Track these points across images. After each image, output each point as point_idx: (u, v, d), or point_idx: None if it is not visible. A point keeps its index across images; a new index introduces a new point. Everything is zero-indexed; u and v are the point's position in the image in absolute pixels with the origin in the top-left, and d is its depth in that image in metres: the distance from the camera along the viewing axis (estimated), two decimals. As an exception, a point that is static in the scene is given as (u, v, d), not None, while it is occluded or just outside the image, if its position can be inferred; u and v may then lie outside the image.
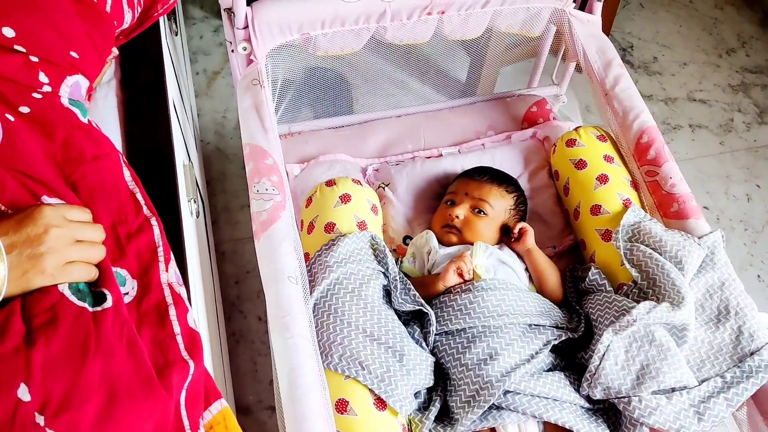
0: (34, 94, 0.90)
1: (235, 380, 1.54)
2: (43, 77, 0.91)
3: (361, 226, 1.20)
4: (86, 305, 0.74)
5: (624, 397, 1.03)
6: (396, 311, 1.14)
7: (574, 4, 1.39)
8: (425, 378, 1.08)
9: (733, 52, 2.24)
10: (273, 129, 1.20)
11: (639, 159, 1.26)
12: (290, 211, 1.12)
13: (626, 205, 1.22)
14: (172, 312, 0.84)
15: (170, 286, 0.87)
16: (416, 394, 1.08)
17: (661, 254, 1.13)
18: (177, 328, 0.83)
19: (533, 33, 1.43)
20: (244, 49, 1.24)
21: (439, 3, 1.28)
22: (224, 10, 1.22)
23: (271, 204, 1.11)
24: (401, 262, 1.25)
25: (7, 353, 0.66)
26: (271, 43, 1.24)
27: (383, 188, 1.38)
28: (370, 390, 1.02)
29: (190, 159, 1.33)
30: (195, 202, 1.19)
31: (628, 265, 1.15)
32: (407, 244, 1.30)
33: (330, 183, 1.25)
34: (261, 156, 1.16)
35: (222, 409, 0.83)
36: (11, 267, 0.72)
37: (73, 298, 0.74)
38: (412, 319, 1.16)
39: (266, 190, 1.13)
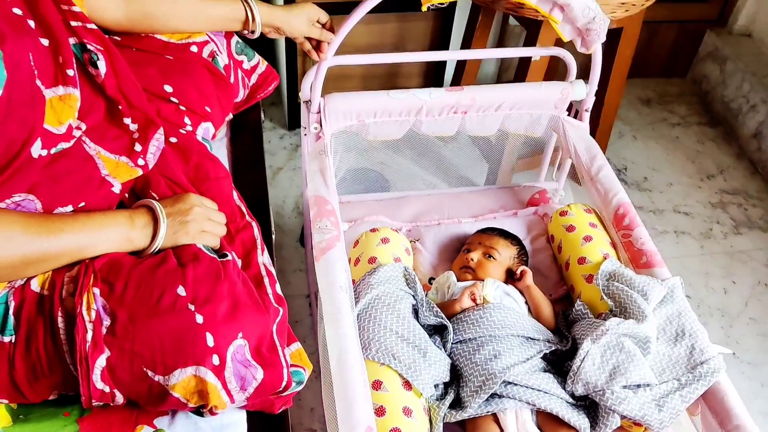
0: (180, 131, 1.28)
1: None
2: (186, 120, 1.30)
3: (397, 260, 1.54)
4: (215, 256, 1.09)
5: (599, 390, 1.30)
6: (422, 326, 1.45)
7: (567, 113, 1.79)
8: (443, 373, 1.36)
9: (713, 177, 2.62)
10: (332, 186, 1.56)
11: (617, 225, 1.60)
12: (343, 244, 1.45)
13: (606, 258, 1.55)
14: (266, 281, 1.16)
15: (264, 265, 1.20)
16: (435, 387, 1.37)
17: (631, 289, 1.44)
18: (269, 290, 1.15)
19: (535, 134, 1.82)
20: (315, 128, 1.64)
21: (463, 104, 1.69)
22: (303, 102, 1.64)
23: (330, 236, 1.44)
24: (426, 294, 1.57)
25: (170, 269, 1.00)
26: (335, 125, 1.64)
27: (414, 242, 1.72)
28: (400, 374, 1.29)
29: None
30: (273, 235, 1.54)
31: (605, 298, 1.46)
32: (432, 283, 1.62)
33: (374, 230, 1.60)
34: (323, 203, 1.51)
35: (298, 348, 1.14)
36: (168, 227, 1.08)
37: (206, 252, 1.09)
38: (434, 333, 1.46)
39: (326, 226, 1.47)
